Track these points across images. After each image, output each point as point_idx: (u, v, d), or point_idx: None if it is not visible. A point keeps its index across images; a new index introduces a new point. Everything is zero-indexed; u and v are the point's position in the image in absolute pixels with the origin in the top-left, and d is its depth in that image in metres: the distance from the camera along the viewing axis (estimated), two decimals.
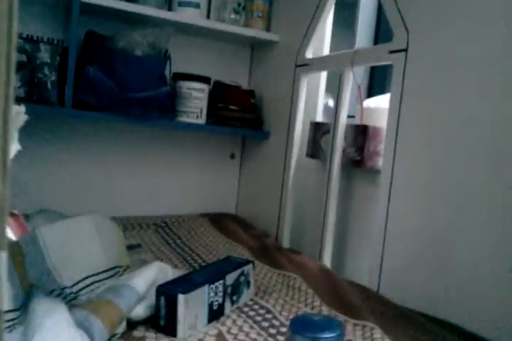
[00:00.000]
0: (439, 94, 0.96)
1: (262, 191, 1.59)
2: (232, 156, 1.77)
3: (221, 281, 0.88)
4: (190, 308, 0.80)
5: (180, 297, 0.79)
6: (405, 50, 1.04)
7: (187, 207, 1.67)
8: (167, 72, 1.50)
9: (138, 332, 0.79)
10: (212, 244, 1.31)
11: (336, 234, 1.23)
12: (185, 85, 1.50)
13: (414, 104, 1.01)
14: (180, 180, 1.69)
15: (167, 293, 0.81)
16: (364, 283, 1.04)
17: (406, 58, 1.04)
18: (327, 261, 1.21)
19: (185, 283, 0.84)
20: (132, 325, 0.81)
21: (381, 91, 1.46)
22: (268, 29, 1.62)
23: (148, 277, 0.89)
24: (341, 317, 0.85)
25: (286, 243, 1.39)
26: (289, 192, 1.39)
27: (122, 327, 0.79)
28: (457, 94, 0.92)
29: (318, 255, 1.23)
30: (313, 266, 1.09)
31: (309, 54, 1.39)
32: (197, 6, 1.54)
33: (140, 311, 0.83)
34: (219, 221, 1.53)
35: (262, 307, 0.89)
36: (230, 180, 1.78)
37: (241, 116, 1.55)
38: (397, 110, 1.04)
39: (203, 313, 0.83)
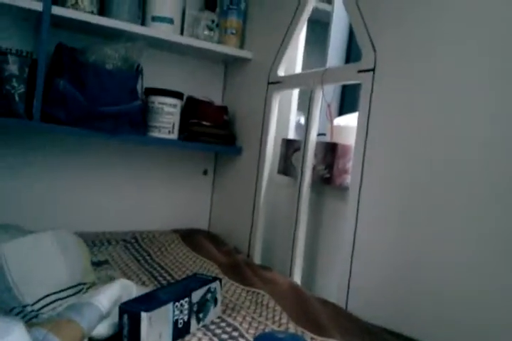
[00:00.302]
0: (405, 112, 0.98)
1: (235, 207, 1.59)
2: (205, 172, 1.76)
3: (187, 299, 0.86)
4: (154, 326, 0.79)
5: (144, 315, 0.78)
6: (373, 70, 1.06)
7: (159, 223, 1.65)
8: (139, 86, 1.49)
9: None
10: (183, 261, 1.29)
11: (306, 251, 1.23)
12: (158, 100, 1.50)
13: (382, 122, 1.03)
14: (152, 195, 1.67)
15: (130, 311, 0.79)
16: (333, 300, 1.04)
17: (373, 78, 1.06)
18: (297, 277, 1.20)
19: (150, 301, 0.83)
20: None
21: (352, 109, 1.48)
22: (241, 46, 1.64)
23: (111, 294, 0.87)
24: (308, 335, 0.84)
25: (257, 259, 1.38)
26: (260, 208, 1.39)
27: None
28: (422, 113, 0.94)
29: (288, 271, 1.22)
30: (282, 283, 1.08)
31: (281, 72, 1.41)
32: (170, 21, 1.55)
33: (102, 329, 0.81)
34: (191, 237, 1.51)
35: (229, 324, 0.88)
36: (202, 195, 1.77)
37: (214, 132, 1.55)
38: (364, 128, 1.06)
39: (168, 331, 0.82)
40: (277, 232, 1.42)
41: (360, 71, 1.10)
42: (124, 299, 0.88)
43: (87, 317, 0.79)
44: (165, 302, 0.82)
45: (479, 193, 0.81)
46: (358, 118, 1.08)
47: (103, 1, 1.46)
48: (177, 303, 0.84)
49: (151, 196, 1.67)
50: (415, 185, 0.93)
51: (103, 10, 1.46)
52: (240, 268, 1.20)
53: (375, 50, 1.06)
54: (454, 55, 0.89)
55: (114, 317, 0.82)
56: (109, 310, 0.84)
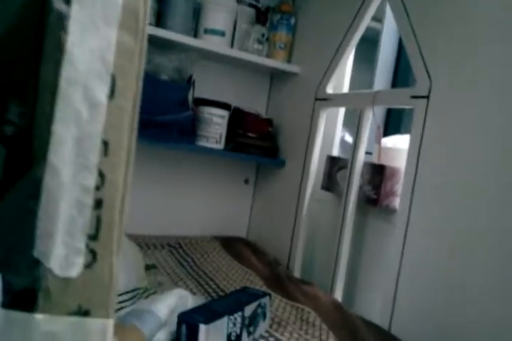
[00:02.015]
0: (458, 141, 1.00)
1: (275, 218, 1.63)
2: (247, 181, 1.80)
3: (240, 312, 0.90)
4: (210, 338, 0.83)
5: (202, 327, 0.82)
6: (427, 97, 1.09)
7: (199, 229, 1.71)
8: (190, 96, 1.54)
9: None
10: (226, 270, 1.34)
11: (348, 269, 1.27)
12: (207, 111, 1.55)
13: (434, 148, 1.05)
14: (195, 201, 1.72)
15: (189, 322, 0.83)
16: (374, 319, 1.07)
17: (427, 105, 1.08)
18: (338, 294, 1.24)
19: (206, 313, 0.87)
20: None
21: (396, 130, 1.51)
22: (289, 60, 1.67)
23: (169, 303, 0.91)
24: None
25: (297, 272, 1.42)
26: (302, 221, 1.43)
27: None
28: (476, 142, 0.96)
29: (329, 287, 1.26)
30: (326, 300, 1.12)
31: (330, 89, 1.44)
32: (222, 34, 1.59)
33: (161, 337, 0.86)
34: (231, 245, 1.56)
35: (277, 339, 0.92)
36: (242, 204, 1.82)
37: (258, 144, 1.60)
38: (416, 153, 1.08)
39: None
40: (318, 247, 1.46)
41: (413, 97, 1.12)
42: (180, 308, 0.92)
43: (149, 325, 0.84)
44: (221, 315, 0.86)
45: None
46: (410, 142, 1.11)
47: (159, 13, 1.51)
48: (231, 317, 0.88)
49: (193, 202, 1.72)
50: (466, 212, 0.96)
51: (159, 21, 1.52)
52: (282, 281, 1.24)
53: (430, 78, 1.08)
54: (506, 83, 0.91)
55: (172, 326, 0.86)
56: (167, 318, 0.88)
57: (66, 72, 0.37)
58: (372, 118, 1.26)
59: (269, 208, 1.71)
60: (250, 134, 1.61)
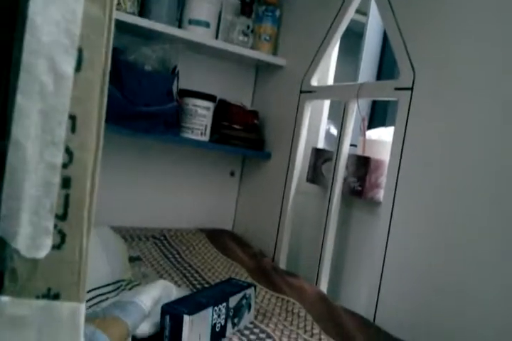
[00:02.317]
0: (442, 132, 1.01)
1: (261, 210, 1.63)
2: (232, 174, 1.80)
3: (224, 303, 0.91)
4: (195, 329, 0.83)
5: (186, 318, 0.82)
6: (411, 89, 1.09)
7: (184, 221, 1.70)
8: (174, 87, 1.53)
9: None
10: (211, 262, 1.34)
11: (333, 260, 1.27)
12: (192, 102, 1.54)
13: (418, 140, 1.06)
14: (180, 193, 1.72)
15: (173, 313, 0.83)
16: (359, 311, 1.08)
17: (411, 96, 1.09)
18: (323, 286, 1.25)
19: (190, 304, 0.87)
20: None
21: (381, 123, 1.52)
22: (275, 53, 1.67)
23: (153, 295, 0.91)
24: None
25: (283, 264, 1.43)
26: (287, 214, 1.43)
27: None
28: (459, 134, 0.97)
29: (314, 279, 1.27)
30: (311, 292, 1.12)
31: (315, 81, 1.44)
32: (207, 25, 1.58)
33: (145, 328, 0.85)
34: (216, 237, 1.56)
35: (262, 331, 0.93)
36: (228, 196, 1.81)
37: (244, 136, 1.59)
38: (400, 145, 1.09)
39: (206, 334, 0.86)
40: (303, 239, 1.47)
41: (397, 89, 1.13)
42: (164, 300, 0.92)
43: (132, 316, 0.83)
44: (205, 306, 0.86)
45: None
46: (394, 134, 1.11)
47: (143, 3, 1.49)
48: (216, 308, 0.88)
49: (178, 194, 1.71)
50: (450, 203, 0.97)
51: (143, 11, 1.50)
52: (268, 273, 1.25)
53: (413, 70, 1.09)
54: (491, 77, 0.92)
55: (155, 317, 0.86)
56: (150, 310, 0.88)
57: (28, 43, 0.36)
58: (356, 111, 1.26)
59: (255, 200, 1.71)
60: (236, 126, 1.60)
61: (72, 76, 0.39)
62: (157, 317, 0.85)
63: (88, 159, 0.40)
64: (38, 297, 0.40)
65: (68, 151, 0.39)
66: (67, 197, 0.40)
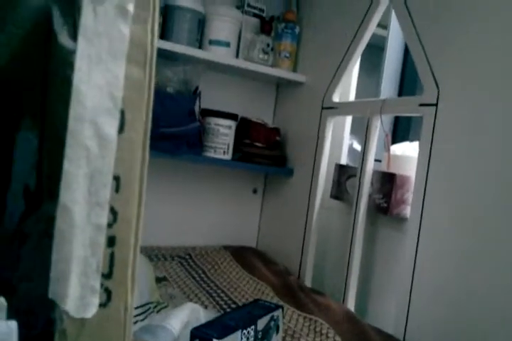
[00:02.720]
0: (469, 147, 0.99)
1: (284, 227, 1.62)
2: (255, 191, 1.80)
3: (253, 326, 0.90)
4: None
5: None
6: (435, 105, 1.08)
7: (208, 239, 1.71)
8: (196, 108, 1.55)
9: None
10: (237, 281, 1.34)
11: (360, 277, 1.26)
12: (213, 121, 1.55)
13: (444, 156, 1.05)
14: (203, 211, 1.72)
15: (203, 337, 0.83)
16: (388, 329, 1.06)
17: (436, 112, 1.08)
18: (351, 304, 1.23)
19: (219, 327, 0.86)
20: None
21: (405, 137, 1.51)
22: (295, 69, 1.68)
23: (182, 318, 0.91)
24: None
25: (308, 282, 1.41)
26: (312, 230, 1.42)
27: None
28: (487, 149, 0.95)
29: (341, 297, 1.25)
30: (339, 311, 1.11)
31: (336, 97, 1.44)
32: (227, 45, 1.60)
33: None
34: (241, 254, 1.55)
35: None
36: (251, 213, 1.81)
37: (266, 154, 1.60)
38: (426, 161, 1.08)
39: None
40: (328, 256, 1.45)
41: (421, 105, 1.12)
42: (192, 323, 0.92)
43: (162, 340, 0.84)
44: (234, 330, 0.85)
45: None
46: (420, 150, 1.10)
47: (164, 25, 1.52)
48: (244, 331, 0.88)
49: (202, 212, 1.72)
50: (479, 218, 0.95)
51: (164, 33, 1.53)
52: (294, 291, 1.23)
53: (437, 85, 1.08)
54: None
55: None
56: (180, 333, 0.88)
57: (74, 110, 0.37)
58: (380, 126, 1.26)
59: (279, 217, 1.70)
60: (258, 144, 1.61)
61: (116, 138, 0.40)
62: None
63: (131, 216, 0.41)
64: None
65: (113, 211, 0.40)
66: (112, 256, 0.41)
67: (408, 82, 1.58)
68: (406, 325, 1.05)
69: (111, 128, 0.39)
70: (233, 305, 1.16)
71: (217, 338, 0.81)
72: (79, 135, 0.37)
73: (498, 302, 0.89)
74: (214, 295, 1.22)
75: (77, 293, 0.38)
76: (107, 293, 0.40)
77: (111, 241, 0.40)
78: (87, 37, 0.37)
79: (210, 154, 1.54)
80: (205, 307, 1.13)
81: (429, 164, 1.07)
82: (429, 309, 1.02)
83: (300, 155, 1.59)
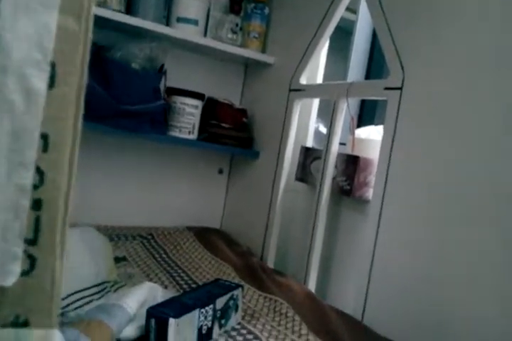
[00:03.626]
0: (431, 132, 1.00)
1: (249, 209, 1.62)
2: (221, 171, 1.79)
3: (211, 305, 0.89)
4: (181, 332, 0.82)
5: (172, 321, 0.80)
6: (400, 88, 1.08)
7: (172, 220, 1.69)
8: (162, 86, 1.51)
9: None
10: (199, 261, 1.33)
11: (321, 259, 1.27)
12: (179, 100, 1.52)
13: (407, 139, 1.05)
14: (168, 192, 1.70)
15: (158, 317, 0.82)
16: (347, 310, 1.08)
17: (401, 96, 1.08)
18: (312, 285, 1.24)
19: (176, 306, 0.86)
20: None
21: (370, 121, 1.51)
22: (263, 51, 1.65)
23: (139, 297, 0.90)
24: None
25: (271, 263, 1.42)
26: (276, 212, 1.42)
27: None
28: (450, 134, 0.97)
29: (302, 278, 1.26)
30: (299, 291, 1.11)
31: (304, 80, 1.43)
32: (195, 23, 1.56)
33: (130, 332, 0.84)
34: (204, 235, 1.54)
35: (249, 332, 0.92)
36: (216, 194, 1.80)
37: (232, 135, 1.58)
38: (389, 144, 1.09)
39: (192, 337, 0.85)
40: (291, 238, 1.46)
41: (386, 88, 1.12)
42: (150, 302, 0.90)
43: (117, 320, 0.82)
44: (191, 309, 0.85)
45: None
46: (383, 133, 1.11)
47: (130, 1, 1.47)
48: (202, 310, 0.87)
49: (165, 193, 1.70)
50: (440, 202, 0.96)
51: (130, 9, 1.47)
52: (255, 272, 1.24)
53: (403, 70, 1.08)
54: (483, 77, 0.91)
55: (140, 320, 0.84)
56: (136, 312, 0.87)
57: None
58: (346, 109, 1.26)
59: (243, 199, 1.70)
60: (224, 125, 1.59)
61: (45, 93, 0.36)
62: (142, 321, 0.84)
63: (61, 179, 0.38)
64: (4, 326, 0.37)
65: (39, 172, 0.37)
66: (37, 220, 0.38)
67: (376, 66, 1.58)
68: (364, 306, 1.07)
69: (39, 81, 0.36)
70: (194, 285, 1.15)
71: (173, 317, 0.81)
72: (2, 88, 0.35)
73: (457, 283, 0.91)
74: (175, 275, 1.21)
75: None
76: (31, 260, 0.38)
77: (37, 205, 0.37)
78: None
79: (175, 134, 1.51)
80: (165, 287, 1.11)
81: (392, 147, 1.08)
82: (387, 290, 1.04)
83: (266, 137, 1.58)
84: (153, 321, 0.82)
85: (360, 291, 1.09)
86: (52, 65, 0.37)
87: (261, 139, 1.62)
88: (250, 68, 1.77)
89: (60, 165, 0.38)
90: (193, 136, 1.54)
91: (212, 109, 1.60)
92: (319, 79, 1.52)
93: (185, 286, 1.14)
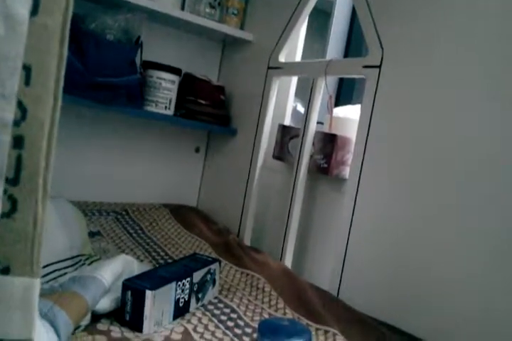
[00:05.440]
0: (408, 110, 1.02)
1: (226, 186, 1.61)
2: (197, 150, 1.77)
3: (188, 279, 0.89)
4: (157, 304, 0.82)
5: (148, 293, 0.80)
6: (379, 67, 1.09)
7: (147, 197, 1.67)
8: (137, 59, 1.47)
9: (102, 325, 0.79)
10: (175, 237, 1.32)
11: (298, 236, 1.28)
12: (156, 74, 1.49)
13: (385, 117, 1.06)
14: (143, 168, 1.68)
15: (134, 288, 0.82)
16: (324, 286, 1.09)
17: (379, 74, 1.09)
18: (288, 262, 1.25)
19: (153, 279, 0.85)
20: (96, 317, 0.80)
21: (348, 100, 1.52)
22: (242, 27, 1.63)
23: (114, 269, 0.89)
24: (304, 321, 0.89)
25: (247, 240, 1.43)
26: (253, 190, 1.43)
27: (86, 320, 0.79)
28: (426, 111, 0.98)
29: (279, 255, 1.27)
30: (276, 267, 1.13)
31: (282, 57, 1.42)
32: None
33: (105, 304, 0.83)
34: (180, 213, 1.53)
35: (226, 306, 0.92)
36: (193, 172, 1.79)
37: (210, 112, 1.56)
38: (367, 122, 1.09)
39: (169, 310, 0.85)
40: (268, 215, 1.47)
41: (365, 66, 1.12)
42: (125, 275, 0.90)
43: (92, 291, 0.81)
44: (168, 281, 0.85)
45: (484, 193, 0.87)
46: (361, 112, 1.11)
47: None
48: (179, 283, 0.87)
49: (141, 169, 1.67)
50: (415, 180, 0.98)
51: None
52: (232, 248, 1.24)
53: (382, 48, 1.08)
54: (469, 59, 0.92)
55: (116, 292, 0.84)
56: (111, 284, 0.86)
57: None
58: (324, 88, 1.25)
59: (220, 177, 1.69)
60: (201, 101, 1.56)
61: (27, 20, 0.34)
62: (118, 293, 0.83)
63: (44, 116, 0.36)
64: None
65: (21, 107, 0.35)
66: (19, 159, 0.35)
67: (354, 46, 1.58)
68: (340, 282, 1.09)
69: (21, 7, 0.34)
70: (170, 260, 1.15)
71: (150, 289, 0.81)
72: None
73: (429, 258, 0.93)
74: (150, 250, 1.20)
75: None
76: (12, 201, 0.36)
77: (18, 142, 0.35)
78: None
79: (151, 108, 1.48)
80: (141, 261, 1.11)
81: (369, 126, 1.09)
82: (362, 267, 1.06)
83: (244, 115, 1.57)
84: (129, 293, 0.82)
85: (336, 267, 1.10)
86: None
87: (238, 117, 1.61)
88: (228, 45, 1.75)
89: (43, 100, 0.35)
90: (170, 112, 1.51)
91: (190, 85, 1.58)
92: (298, 58, 1.51)
93: (161, 261, 1.14)
